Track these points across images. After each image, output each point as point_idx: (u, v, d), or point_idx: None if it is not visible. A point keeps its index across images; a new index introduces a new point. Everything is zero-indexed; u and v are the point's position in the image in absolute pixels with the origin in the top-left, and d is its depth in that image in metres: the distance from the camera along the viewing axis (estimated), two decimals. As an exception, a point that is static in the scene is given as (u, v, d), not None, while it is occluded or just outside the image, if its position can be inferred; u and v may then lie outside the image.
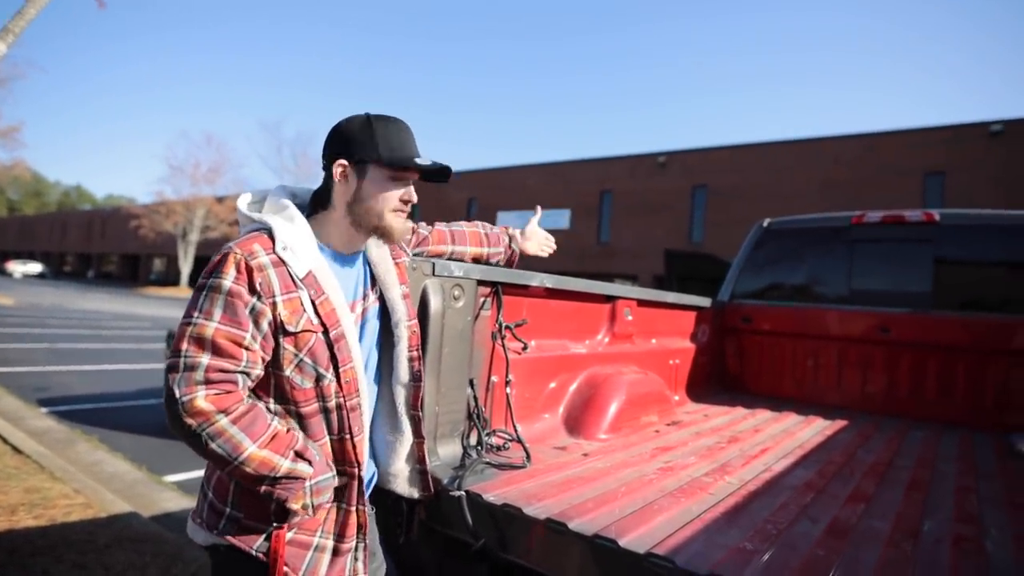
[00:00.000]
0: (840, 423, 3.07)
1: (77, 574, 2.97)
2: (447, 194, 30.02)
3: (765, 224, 4.14)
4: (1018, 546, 1.53)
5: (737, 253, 4.26)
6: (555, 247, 2.22)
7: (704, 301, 3.66)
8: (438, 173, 1.40)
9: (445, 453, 1.81)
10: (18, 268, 51.65)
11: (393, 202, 1.36)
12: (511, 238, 2.10)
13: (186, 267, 42.65)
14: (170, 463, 5.17)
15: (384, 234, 1.38)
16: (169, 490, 4.55)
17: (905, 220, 3.58)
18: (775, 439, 2.58)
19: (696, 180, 23.97)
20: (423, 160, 1.35)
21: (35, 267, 54.03)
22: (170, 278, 49.81)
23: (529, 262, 2.18)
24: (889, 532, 1.55)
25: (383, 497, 1.62)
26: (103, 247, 60.08)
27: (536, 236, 2.16)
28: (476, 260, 2.00)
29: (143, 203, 47.68)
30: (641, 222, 24.94)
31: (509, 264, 2.15)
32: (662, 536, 1.38)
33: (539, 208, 2.22)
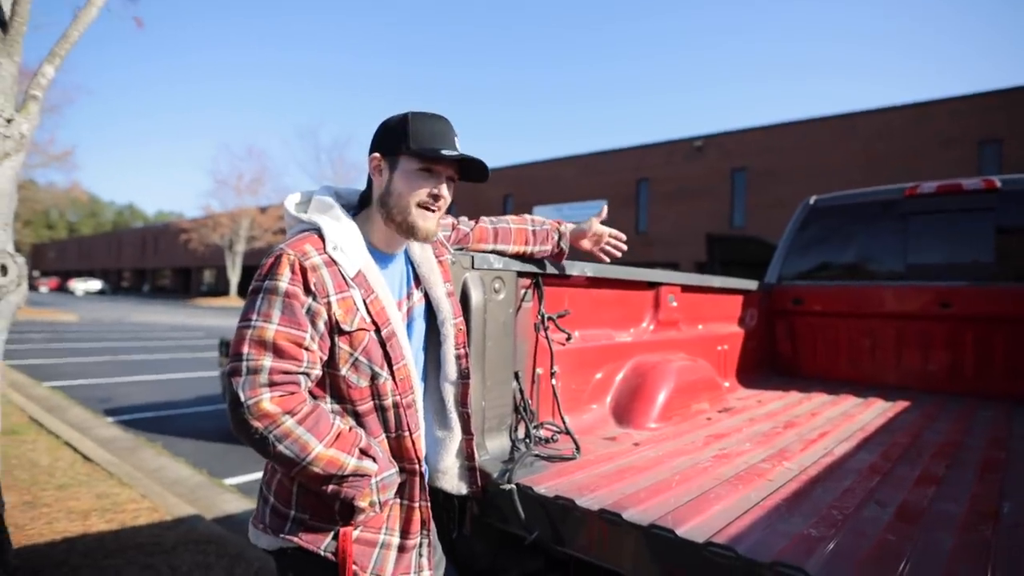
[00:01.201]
0: (902, 404, 2.94)
1: (147, 575, 3.09)
2: (482, 191, 30.08)
3: (812, 202, 4.00)
4: (1109, 526, 1.43)
5: (781, 235, 4.12)
6: (624, 247, 2.07)
7: (751, 284, 3.56)
8: (474, 167, 1.38)
9: (493, 447, 1.80)
10: (80, 286, 54.30)
11: (421, 196, 1.32)
12: (561, 236, 1.97)
13: (234, 277, 43.98)
14: (229, 467, 5.33)
15: (410, 231, 1.34)
16: (229, 492, 4.70)
17: (963, 189, 3.40)
18: (834, 422, 2.48)
19: (735, 163, 23.38)
20: (451, 151, 1.32)
21: (95, 284, 56.67)
22: (220, 288, 51.47)
23: (576, 253, 2.09)
24: (964, 515, 1.47)
25: (435, 493, 1.62)
26: (156, 262, 62.50)
27: (595, 233, 2.00)
28: (518, 256, 1.93)
29: (191, 217, 49.40)
30: (680, 209, 24.49)
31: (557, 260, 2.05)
32: (721, 525, 1.34)
33: (604, 206, 2.08)
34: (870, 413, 2.71)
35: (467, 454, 1.55)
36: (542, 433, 1.96)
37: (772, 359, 3.88)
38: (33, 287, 60.87)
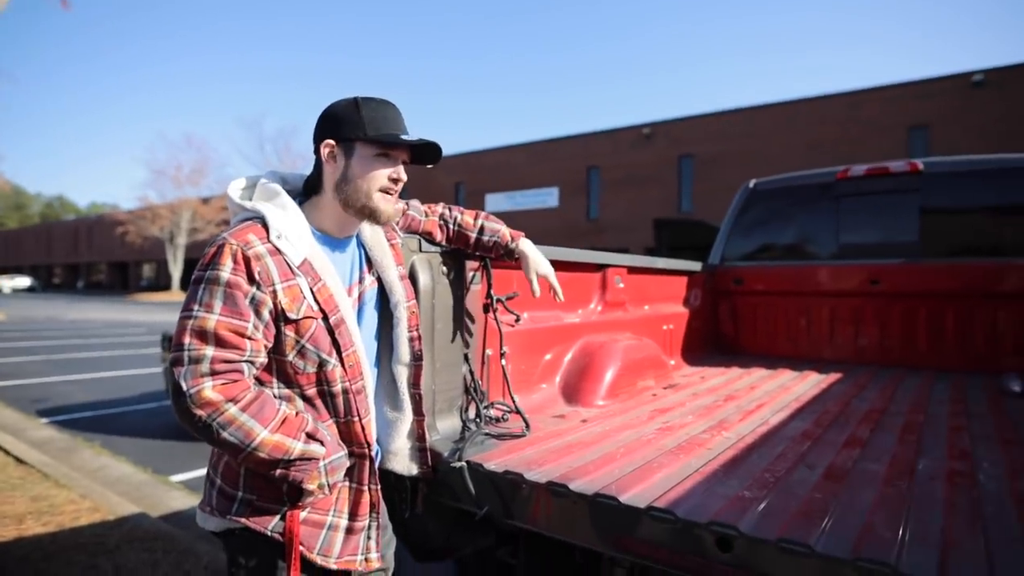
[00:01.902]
0: (835, 376, 3.10)
1: (90, 575, 2.99)
2: (434, 179, 29.82)
3: (751, 185, 4.14)
4: (1010, 477, 1.56)
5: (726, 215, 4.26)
6: (560, 299, 1.93)
7: (695, 265, 3.68)
8: (427, 150, 1.40)
9: (444, 427, 1.82)
10: (6, 283, 51.21)
11: (381, 181, 1.35)
12: (510, 252, 1.85)
13: (176, 271, 42.38)
14: (175, 463, 5.18)
15: (372, 215, 1.36)
16: (176, 489, 4.57)
17: (890, 171, 3.59)
18: (771, 395, 2.61)
19: (682, 150, 23.89)
20: (410, 136, 1.35)
21: (24, 281, 53.58)
22: (161, 283, 49.51)
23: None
24: (885, 473, 1.58)
25: (386, 474, 1.63)
26: (90, 256, 59.55)
27: (541, 275, 1.87)
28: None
29: (127, 209, 47.20)
30: (629, 195, 24.88)
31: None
32: (662, 491, 1.40)
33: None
34: (805, 385, 2.86)
35: (418, 435, 1.57)
36: (492, 413, 1.99)
37: (716, 337, 4.02)
38: (-46, 285, 57.20)
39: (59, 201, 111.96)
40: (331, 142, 1.34)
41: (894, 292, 3.47)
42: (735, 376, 3.10)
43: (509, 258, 1.87)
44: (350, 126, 1.32)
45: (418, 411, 1.55)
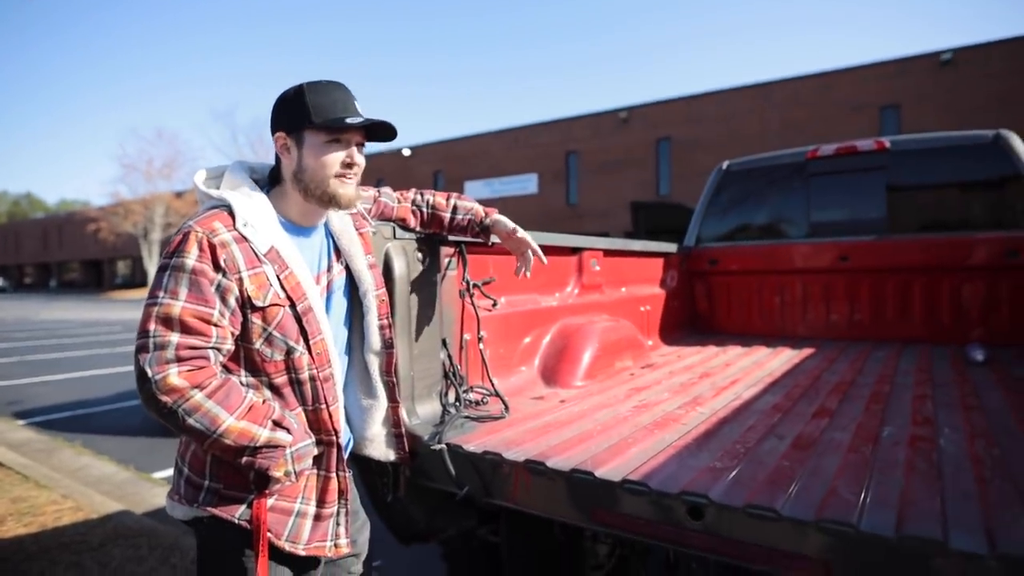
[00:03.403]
0: (807, 351, 3.18)
1: (74, 573, 2.99)
2: (412, 168, 29.61)
3: (725, 166, 4.20)
4: (969, 440, 1.63)
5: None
6: (543, 262, 1.87)
7: (670, 247, 3.73)
8: (379, 130, 1.39)
9: (424, 412, 1.85)
10: (-25, 285, 49.91)
11: (335, 167, 1.34)
12: (485, 228, 1.84)
13: (152, 267, 41.57)
14: (158, 460, 5.14)
15: (331, 201, 1.36)
16: (159, 486, 4.54)
17: (858, 150, 3.66)
18: (745, 371, 2.67)
19: (659, 133, 23.98)
20: (355, 118, 1.33)
21: (-6, 282, 52.29)
22: (136, 280, 48.63)
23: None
24: (850, 441, 1.64)
25: (367, 460, 1.65)
26: (62, 255, 58.23)
27: (520, 241, 1.84)
28: None
29: (99, 206, 46.20)
30: (608, 180, 24.95)
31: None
32: (636, 464, 1.44)
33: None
34: (778, 361, 2.93)
35: (393, 421, 1.59)
36: (472, 396, 2.02)
37: (692, 317, 4.09)
38: (-80, 288, 55.65)
39: (27, 199, 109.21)
40: (282, 134, 1.34)
41: (863, 268, 3.56)
42: (711, 354, 3.17)
43: (485, 235, 1.86)
44: (297, 115, 1.32)
45: (392, 398, 1.57)
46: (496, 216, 1.86)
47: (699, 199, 4.27)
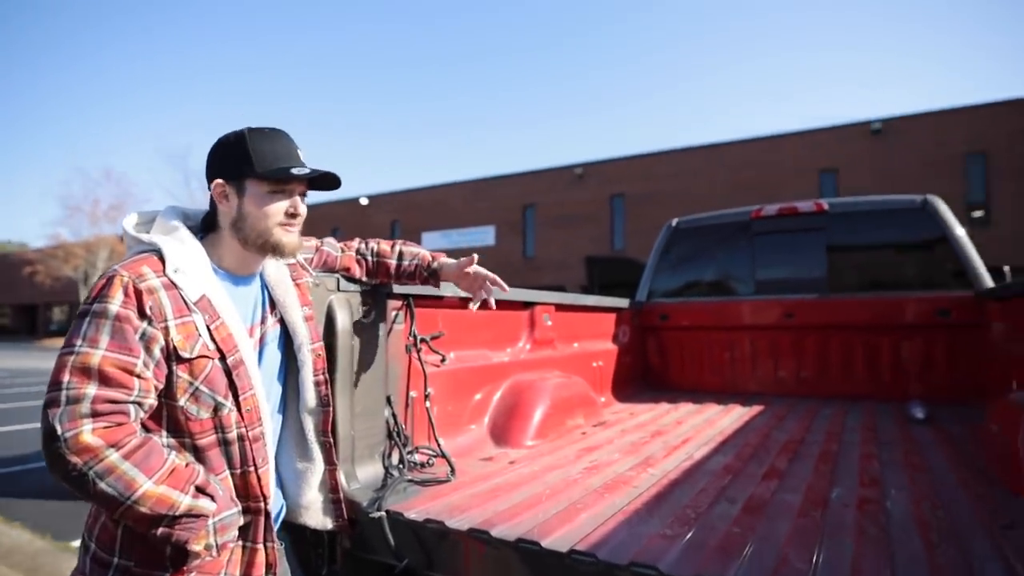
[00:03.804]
0: (757, 408, 3.20)
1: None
2: (369, 217, 29.53)
3: (674, 224, 4.30)
4: (916, 502, 1.63)
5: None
6: (505, 289, 1.82)
7: (622, 302, 3.76)
8: (323, 181, 1.36)
9: (365, 475, 1.75)
10: None
11: (278, 217, 1.29)
12: (432, 273, 1.78)
13: (91, 313, 39.64)
14: (78, 526, 4.74)
15: (275, 250, 1.31)
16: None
17: (798, 211, 3.82)
18: (696, 429, 2.66)
19: (613, 189, 24.70)
20: (301, 169, 1.29)
21: (-87, 327, 48.91)
22: (73, 327, 46.19)
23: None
24: (800, 503, 1.62)
25: (300, 529, 1.54)
26: (-7, 299, 55.16)
27: (474, 274, 1.77)
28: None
29: (37, 248, 44.20)
30: (565, 234, 25.41)
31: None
32: (585, 532, 1.38)
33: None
34: (729, 418, 2.93)
35: (331, 486, 1.49)
36: (417, 458, 1.93)
37: (645, 373, 4.10)
38: None
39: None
40: (221, 181, 1.28)
41: (808, 325, 3.65)
42: (663, 411, 3.16)
43: (434, 280, 1.79)
44: (239, 163, 1.27)
45: (329, 460, 1.48)
46: (444, 259, 1.81)
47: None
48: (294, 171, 1.27)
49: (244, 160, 1.26)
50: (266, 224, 1.28)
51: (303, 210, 1.34)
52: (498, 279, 1.78)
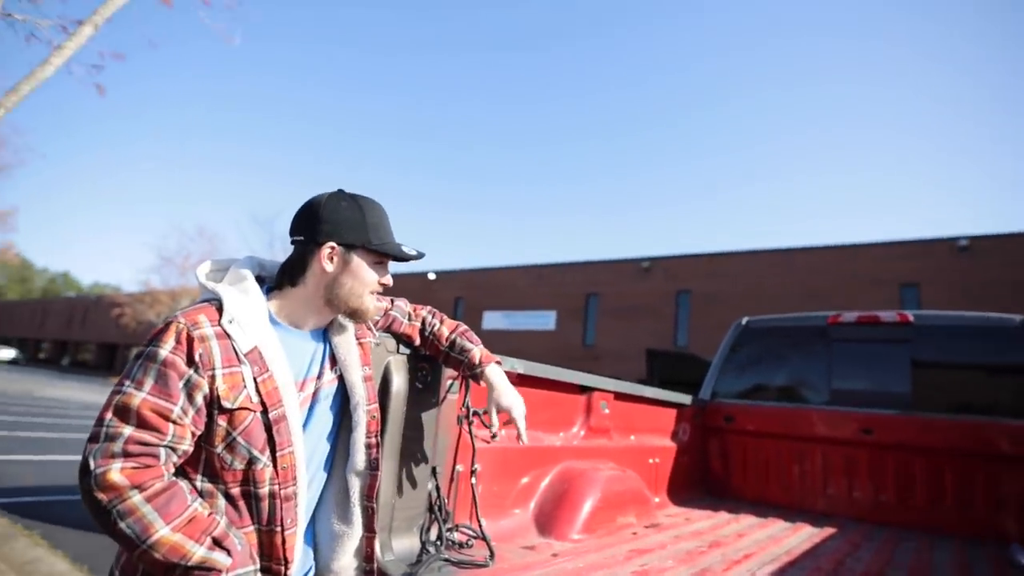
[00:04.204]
0: (828, 530, 2.91)
1: None
2: (435, 293, 30.25)
3: (744, 322, 4.15)
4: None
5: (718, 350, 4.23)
6: (523, 443, 1.72)
7: (685, 398, 3.59)
8: (415, 259, 1.43)
9: (400, 547, 1.67)
10: (-10, 354, 50.31)
11: (374, 286, 1.36)
12: (476, 376, 1.70)
13: (165, 357, 41.57)
14: (114, 564, 4.76)
15: (359, 315, 1.36)
16: (108, 594, 4.15)
17: (880, 321, 3.61)
18: (760, 544, 2.42)
19: (679, 285, 24.43)
20: (409, 249, 1.39)
21: (8, 352, 52.69)
22: (147, 368, 48.43)
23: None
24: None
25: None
26: (82, 335, 58.99)
27: (500, 401, 1.68)
28: None
29: (129, 292, 47.45)
30: (626, 325, 25.09)
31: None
32: None
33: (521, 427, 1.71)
34: (796, 538, 2.67)
35: (367, 554, 1.42)
36: (456, 536, 1.84)
37: (704, 477, 3.84)
38: (-62, 350, 56.21)
39: (64, 278, 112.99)
40: (334, 244, 1.31)
41: (888, 444, 3.35)
42: (723, 521, 2.92)
43: (476, 381, 1.73)
44: (355, 230, 1.33)
45: (369, 527, 1.41)
46: (491, 369, 1.69)
47: (716, 353, 4.18)
48: (405, 250, 1.37)
49: (360, 229, 1.33)
50: (362, 291, 1.34)
51: (391, 282, 1.41)
52: (522, 434, 1.70)
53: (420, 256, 1.42)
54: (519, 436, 1.70)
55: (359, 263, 1.33)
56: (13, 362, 51.65)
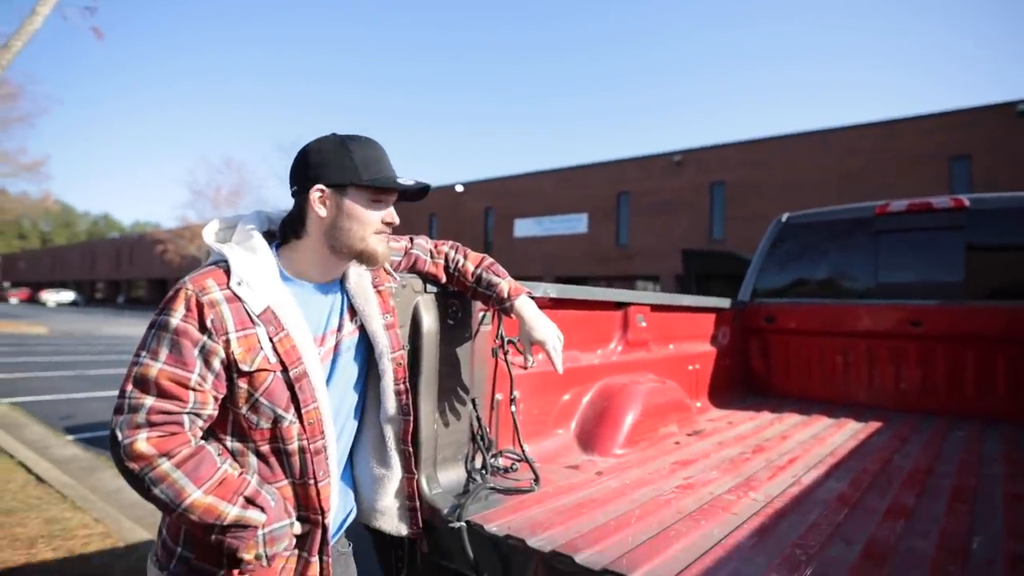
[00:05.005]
0: (874, 425, 2.89)
1: (91, 609, 2.93)
2: (463, 204, 30.07)
3: (784, 219, 3.98)
4: (1081, 564, 1.37)
5: (757, 248, 4.10)
6: (559, 372, 1.68)
7: (723, 302, 3.52)
8: (418, 192, 1.33)
9: (447, 480, 1.71)
10: (51, 297, 53.12)
11: (376, 225, 1.29)
12: (507, 309, 1.65)
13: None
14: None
15: (367, 258, 1.29)
16: (189, 516, 4.51)
17: (933, 208, 3.40)
18: (804, 446, 2.43)
19: (713, 177, 23.63)
20: (405, 180, 1.28)
21: (67, 296, 55.53)
22: (196, 300, 50.35)
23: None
24: (934, 553, 1.41)
25: (378, 532, 1.52)
26: (131, 273, 61.35)
27: (539, 341, 1.63)
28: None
29: (168, 228, 48.60)
30: (660, 222, 24.65)
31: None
32: (678, 568, 1.26)
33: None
34: (841, 435, 2.66)
35: (408, 493, 1.46)
36: (501, 462, 1.87)
37: (745, 378, 3.83)
38: (2, 298, 59.48)
39: (105, 219, 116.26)
40: (322, 187, 1.26)
41: (938, 335, 3.26)
42: (765, 422, 2.92)
43: (506, 315, 1.69)
44: (342, 170, 1.25)
45: (408, 468, 1.44)
46: (520, 301, 1.64)
47: (753, 244, 4.05)
48: (400, 181, 1.27)
49: (348, 167, 1.24)
50: (364, 232, 1.27)
51: (396, 220, 1.33)
52: (557, 365, 1.64)
53: (419, 187, 1.30)
54: (554, 366, 1.67)
55: (353, 202, 1.26)
56: (73, 304, 54.45)
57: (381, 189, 1.27)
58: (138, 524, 4.16)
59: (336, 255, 1.29)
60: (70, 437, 6.75)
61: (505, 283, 1.65)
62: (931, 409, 3.25)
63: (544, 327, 1.63)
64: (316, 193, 1.26)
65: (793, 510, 1.67)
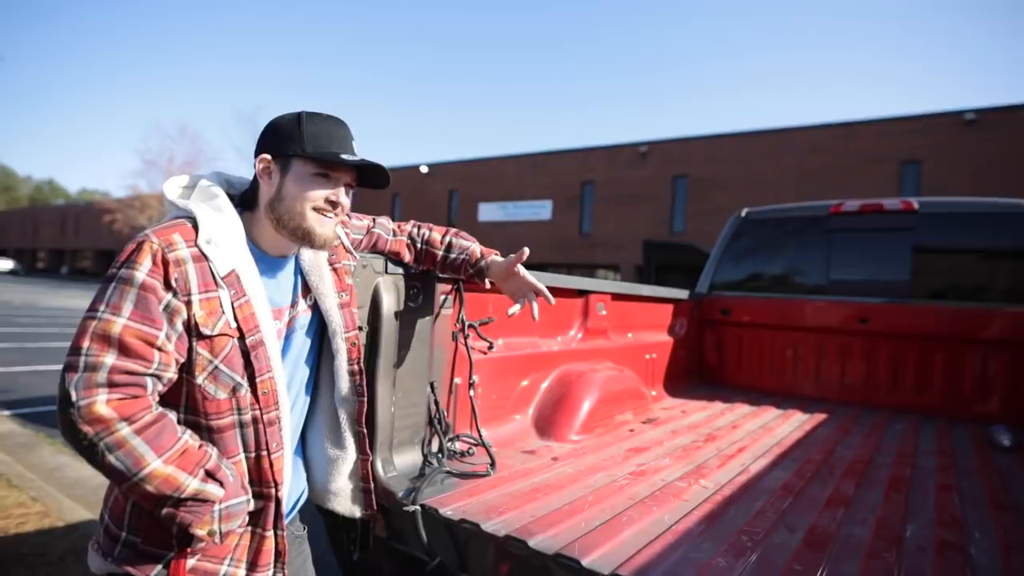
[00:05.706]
0: (819, 416, 3.00)
1: (26, 590, 2.82)
2: (428, 186, 29.73)
3: (743, 214, 4.06)
4: (1005, 552, 1.46)
5: (716, 242, 4.18)
6: (551, 302, 1.68)
7: (681, 293, 3.58)
8: (372, 173, 1.28)
9: (403, 463, 1.70)
10: (-12, 265, 50.42)
11: (316, 201, 1.22)
12: (479, 271, 1.68)
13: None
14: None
15: (305, 237, 1.23)
16: (133, 495, 4.38)
17: (883, 209, 3.52)
18: (753, 436, 2.50)
19: (676, 170, 23.96)
20: (350, 156, 1.22)
21: (6, 264, 52.80)
22: (146, 273, 48.65)
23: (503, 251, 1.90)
24: (870, 540, 1.47)
25: (331, 514, 1.50)
26: (77, 243, 58.79)
27: (521, 281, 1.66)
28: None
29: (118, 198, 46.64)
30: (623, 212, 24.89)
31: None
32: (630, 552, 1.28)
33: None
34: (788, 426, 2.75)
35: (362, 475, 1.44)
36: (458, 446, 1.87)
37: (700, 368, 3.92)
38: (-66, 264, 56.27)
39: (49, 185, 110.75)
40: (267, 156, 1.22)
41: (883, 332, 3.39)
42: (717, 412, 3.00)
43: (479, 277, 1.69)
44: (288, 141, 1.20)
45: (362, 450, 1.42)
46: (493, 258, 1.68)
47: (713, 238, 4.13)
48: (344, 156, 1.20)
49: (295, 138, 1.20)
50: (302, 207, 1.21)
51: (345, 201, 1.27)
52: (544, 290, 1.66)
53: (365, 164, 1.24)
54: (547, 299, 1.66)
55: (295, 174, 1.21)
56: (13, 273, 51.86)
57: (326, 164, 1.21)
58: (78, 504, 4.02)
59: (278, 230, 1.24)
60: (6, 412, 6.46)
61: (476, 246, 1.68)
62: (873, 402, 3.39)
63: (527, 271, 1.65)
64: (261, 163, 1.23)
65: (741, 498, 1.72)
